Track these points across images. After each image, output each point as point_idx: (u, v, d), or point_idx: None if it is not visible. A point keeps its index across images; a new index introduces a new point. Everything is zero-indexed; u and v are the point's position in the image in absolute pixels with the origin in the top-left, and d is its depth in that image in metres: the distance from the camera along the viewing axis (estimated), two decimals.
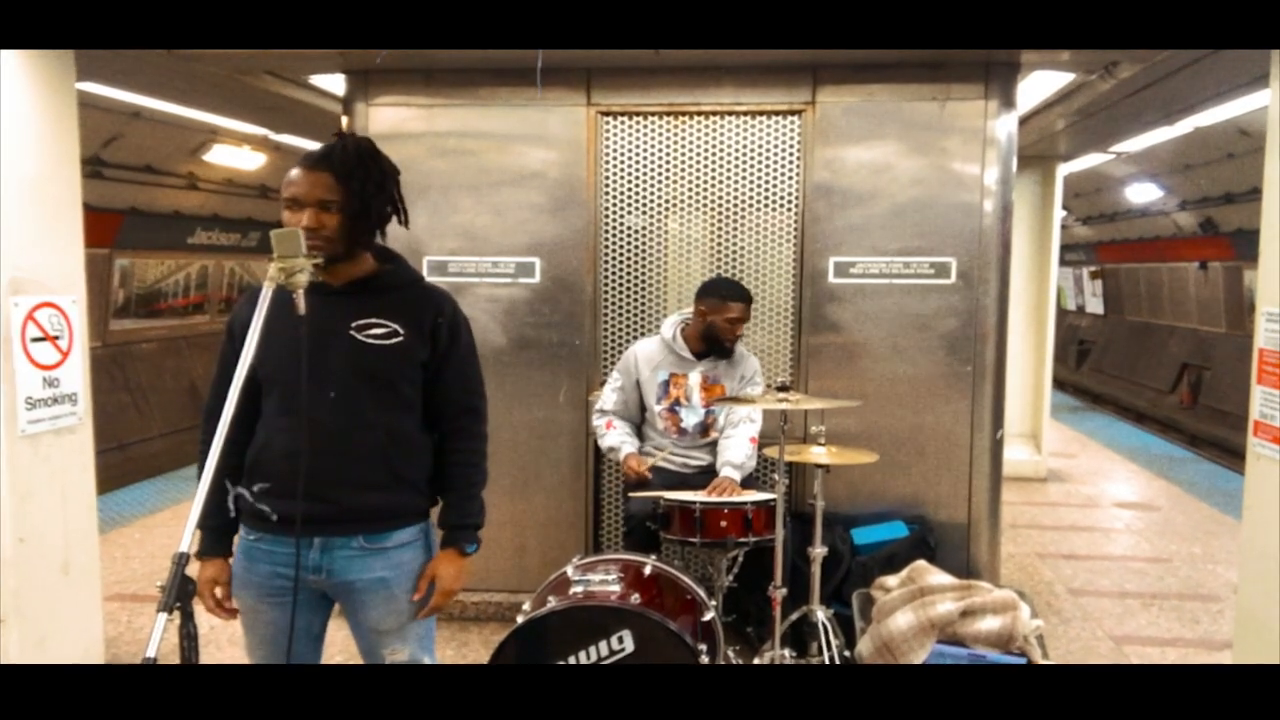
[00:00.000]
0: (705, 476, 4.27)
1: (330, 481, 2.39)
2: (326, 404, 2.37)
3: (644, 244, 4.83)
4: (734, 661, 3.87)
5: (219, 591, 2.50)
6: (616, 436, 4.40)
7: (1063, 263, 11.88)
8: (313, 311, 2.22)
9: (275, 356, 2.34)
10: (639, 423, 4.51)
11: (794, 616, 4.13)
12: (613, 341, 4.85)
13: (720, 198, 4.76)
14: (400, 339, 2.44)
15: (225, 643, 4.52)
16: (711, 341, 4.33)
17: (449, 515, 2.59)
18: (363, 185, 2.39)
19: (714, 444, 4.40)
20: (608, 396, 4.49)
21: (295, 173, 2.38)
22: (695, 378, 4.37)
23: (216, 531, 2.50)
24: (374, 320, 2.43)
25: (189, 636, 1.89)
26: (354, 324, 2.42)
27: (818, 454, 4.00)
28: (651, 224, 4.81)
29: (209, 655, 4.34)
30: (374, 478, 2.44)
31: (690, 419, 4.38)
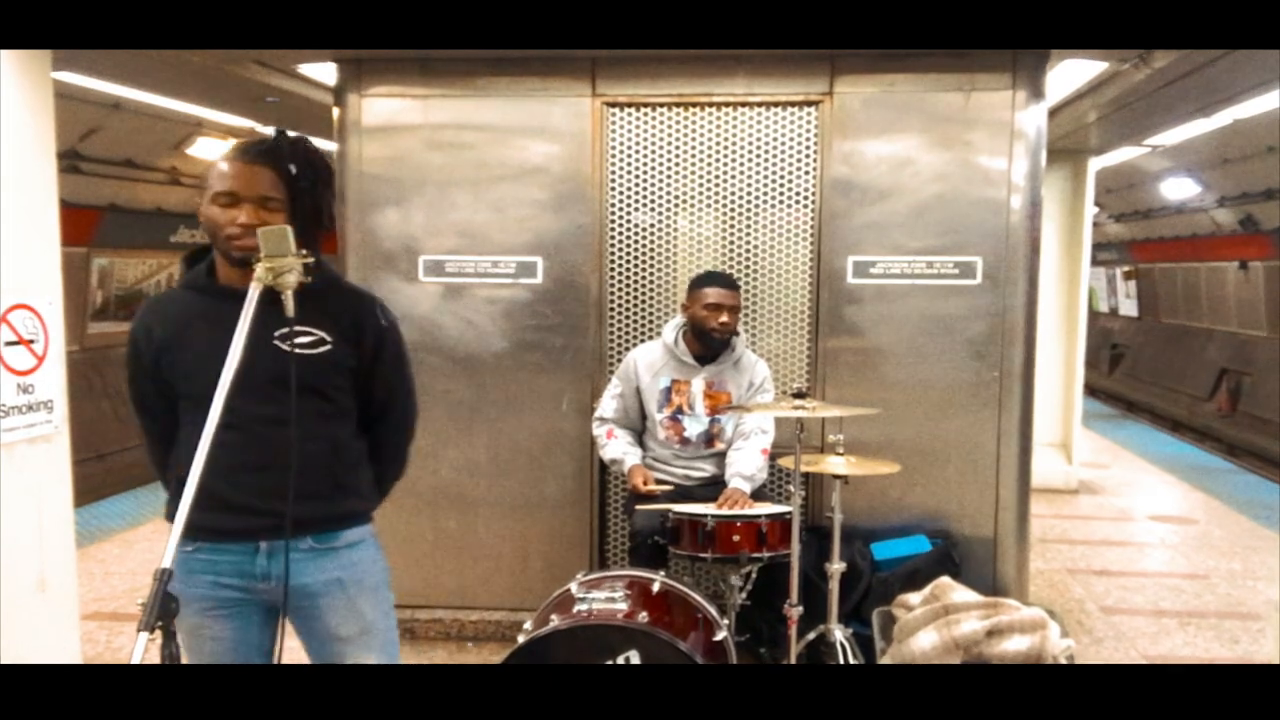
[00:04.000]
0: (710, 489, 4.26)
1: (270, 494, 2.35)
2: (262, 416, 2.35)
3: (652, 242, 4.83)
4: None
5: None
6: (619, 447, 4.39)
7: (1094, 262, 11.85)
8: (228, 319, 2.14)
9: (205, 367, 2.21)
10: (641, 431, 4.50)
11: (810, 636, 4.12)
12: (619, 345, 4.85)
13: (733, 193, 4.76)
14: (328, 347, 2.42)
15: None
16: (701, 337, 4.32)
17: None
18: (313, 185, 2.38)
19: (720, 455, 4.39)
20: (607, 404, 4.48)
21: (229, 165, 2.33)
22: (698, 384, 4.36)
23: None
24: (299, 329, 2.34)
25: (171, 657, 1.88)
26: (278, 333, 2.33)
27: (835, 464, 3.99)
28: (660, 221, 4.81)
29: None
30: (316, 489, 2.43)
31: (694, 428, 4.37)
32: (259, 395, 2.32)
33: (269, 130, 8.09)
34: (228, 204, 2.31)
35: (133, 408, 2.57)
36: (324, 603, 2.47)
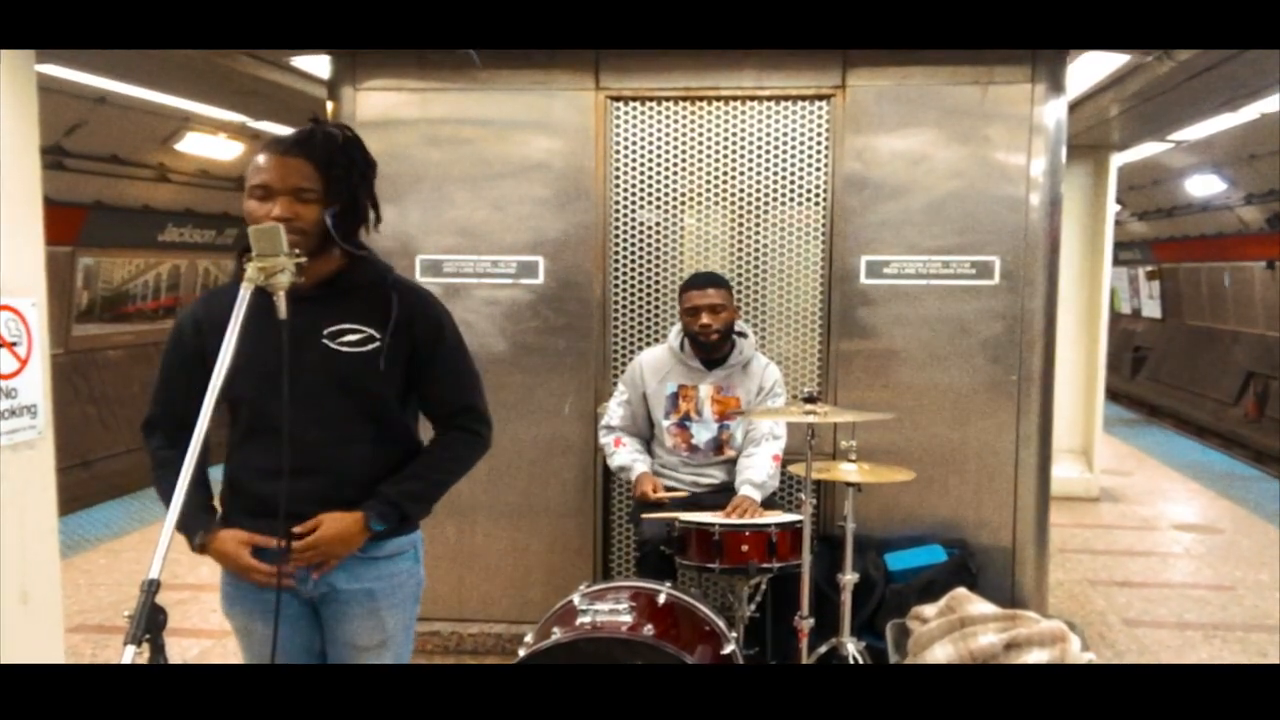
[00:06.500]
0: (719, 496, 4.25)
1: (314, 500, 2.40)
2: (305, 419, 2.36)
3: (658, 241, 4.82)
4: None
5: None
6: (627, 455, 4.38)
7: (1116, 262, 11.81)
8: (275, 316, 2.18)
9: (247, 369, 2.29)
10: (649, 438, 4.49)
11: (822, 649, 4.11)
12: (623, 348, 4.85)
13: (741, 191, 4.76)
14: (376, 344, 2.43)
15: None
16: (694, 343, 4.31)
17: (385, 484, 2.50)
18: (347, 174, 2.38)
19: (730, 462, 4.38)
20: (614, 411, 4.47)
21: (264, 158, 2.35)
22: (706, 389, 4.35)
23: (207, 508, 2.50)
24: (346, 325, 2.42)
25: None
26: (326, 331, 2.41)
27: (848, 471, 3.98)
28: (666, 219, 4.81)
29: None
30: (357, 495, 2.45)
31: (702, 435, 4.36)
32: (299, 395, 2.34)
33: (260, 124, 8.12)
34: (262, 197, 2.32)
35: (155, 389, 2.56)
36: (350, 610, 2.51)
